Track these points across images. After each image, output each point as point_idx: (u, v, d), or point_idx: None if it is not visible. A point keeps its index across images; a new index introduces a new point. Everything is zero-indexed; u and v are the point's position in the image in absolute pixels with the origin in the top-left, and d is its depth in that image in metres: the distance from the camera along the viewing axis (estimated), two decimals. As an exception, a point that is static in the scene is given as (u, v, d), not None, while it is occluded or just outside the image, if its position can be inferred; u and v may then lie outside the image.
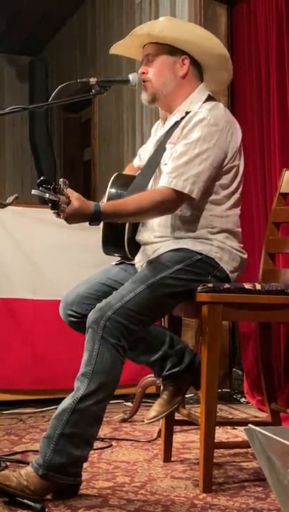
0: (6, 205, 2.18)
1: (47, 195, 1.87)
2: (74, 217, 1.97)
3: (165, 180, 2.11)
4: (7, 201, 2.16)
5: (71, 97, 2.28)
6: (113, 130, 5.22)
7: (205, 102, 2.21)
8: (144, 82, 2.24)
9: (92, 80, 2.15)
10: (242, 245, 2.25)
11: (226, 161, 2.16)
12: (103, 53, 5.46)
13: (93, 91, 2.16)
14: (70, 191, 1.94)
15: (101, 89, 2.16)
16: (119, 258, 2.35)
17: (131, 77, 2.21)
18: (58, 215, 1.93)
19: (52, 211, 1.94)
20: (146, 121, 4.59)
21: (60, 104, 2.27)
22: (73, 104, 6.16)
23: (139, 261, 2.23)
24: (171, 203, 2.10)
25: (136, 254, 2.28)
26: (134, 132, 4.81)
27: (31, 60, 7.00)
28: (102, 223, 2.18)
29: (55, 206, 1.91)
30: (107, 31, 5.36)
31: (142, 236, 2.24)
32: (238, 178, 2.22)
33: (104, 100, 5.23)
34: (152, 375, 2.98)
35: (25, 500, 1.96)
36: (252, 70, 3.58)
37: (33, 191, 1.88)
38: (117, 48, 2.34)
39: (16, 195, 2.19)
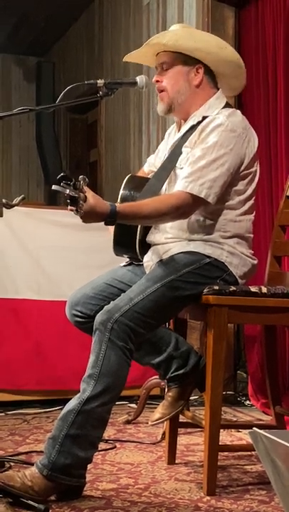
0: (12, 206, 2.18)
1: (67, 191, 1.87)
2: (90, 216, 1.96)
3: (181, 184, 2.11)
4: (13, 202, 2.16)
5: (78, 98, 2.28)
6: (119, 131, 5.22)
7: (223, 108, 2.21)
8: (159, 91, 2.24)
9: (100, 82, 2.15)
10: (253, 252, 2.25)
11: (243, 167, 2.17)
12: (110, 55, 5.47)
13: (100, 93, 2.16)
14: (86, 189, 1.95)
15: (108, 91, 2.16)
16: (127, 259, 2.35)
17: (138, 79, 2.21)
18: (77, 212, 1.93)
19: (70, 208, 1.93)
20: (152, 122, 4.60)
21: (68, 105, 2.27)
22: (80, 106, 6.17)
23: (148, 261, 2.23)
24: (187, 207, 2.10)
25: None
26: (140, 134, 4.81)
27: (38, 60, 7.01)
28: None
29: (74, 203, 1.91)
30: (115, 32, 5.36)
31: (154, 237, 2.24)
32: (253, 185, 2.23)
33: (111, 102, 5.24)
34: (157, 376, 2.98)
35: (29, 501, 1.96)
36: (259, 72, 3.58)
37: (54, 186, 1.87)
38: (131, 57, 2.34)
39: (23, 195, 2.19)
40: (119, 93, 2.29)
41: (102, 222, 2.01)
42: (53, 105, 2.22)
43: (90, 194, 1.95)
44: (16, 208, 2.20)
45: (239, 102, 3.77)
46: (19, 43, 6.95)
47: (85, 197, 1.93)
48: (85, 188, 1.93)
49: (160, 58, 2.24)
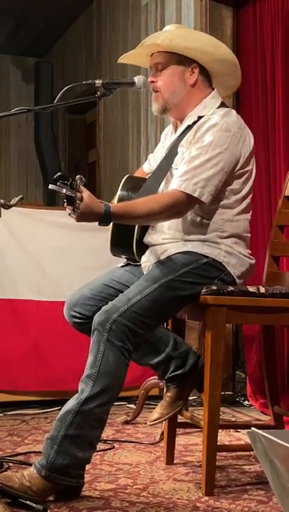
0: (10, 206, 2.17)
1: (64, 191, 1.87)
2: (85, 216, 1.96)
3: (176, 183, 2.11)
4: (12, 202, 2.16)
5: (76, 98, 2.28)
6: (118, 132, 5.23)
7: (218, 108, 2.21)
8: (154, 91, 2.24)
9: (98, 82, 2.16)
10: (250, 251, 2.25)
11: (238, 167, 2.17)
12: (109, 55, 5.47)
13: (99, 93, 2.16)
14: (83, 188, 1.95)
15: (106, 92, 2.16)
16: (125, 260, 2.35)
17: (136, 79, 2.21)
18: (73, 212, 1.93)
19: (66, 207, 1.94)
20: (151, 123, 4.60)
21: (66, 105, 2.28)
22: (78, 106, 6.17)
23: (146, 261, 2.23)
24: (181, 206, 2.10)
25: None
26: (139, 134, 4.82)
27: (37, 61, 7.01)
28: (111, 224, 2.18)
29: (70, 202, 1.91)
30: (113, 33, 5.36)
31: (151, 238, 2.24)
32: (250, 184, 2.23)
33: (110, 102, 5.24)
34: (155, 377, 2.98)
35: (27, 502, 1.95)
36: (257, 72, 3.58)
37: (50, 186, 1.88)
38: (126, 58, 2.35)
39: (21, 196, 2.18)
40: (117, 93, 2.29)
41: (97, 223, 2.02)
42: (50, 105, 2.22)
43: (86, 194, 1.95)
44: (15, 208, 2.20)
45: (237, 102, 3.77)
46: (18, 44, 6.95)
47: (82, 196, 1.93)
48: (82, 188, 1.94)
49: (155, 59, 2.24)
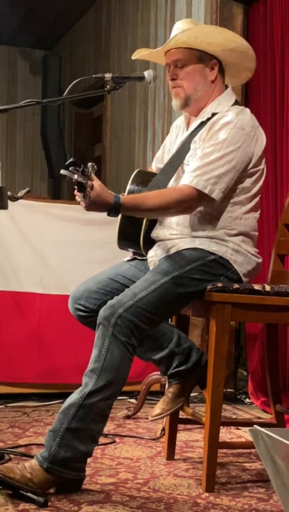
0: (17, 199, 2.17)
1: (75, 177, 1.87)
2: (95, 205, 1.96)
3: (187, 178, 2.11)
4: (18, 195, 2.16)
5: (84, 92, 2.28)
6: (125, 126, 5.22)
7: (232, 106, 2.21)
8: (174, 88, 2.23)
9: (107, 76, 2.15)
10: (257, 250, 2.25)
11: (250, 166, 2.17)
12: (117, 49, 5.46)
13: (108, 87, 2.15)
14: (94, 177, 1.95)
15: (116, 86, 2.15)
16: (131, 254, 2.35)
17: (146, 73, 2.19)
18: (83, 199, 1.93)
19: (76, 194, 1.93)
20: (158, 118, 4.59)
21: (74, 99, 2.27)
22: (85, 100, 6.17)
23: (152, 256, 2.23)
24: (191, 202, 2.10)
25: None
26: (145, 129, 4.80)
27: (45, 54, 7.00)
28: (119, 217, 2.17)
29: (81, 189, 1.91)
30: (122, 27, 5.35)
31: (159, 233, 2.24)
32: (260, 183, 2.23)
33: (117, 96, 5.23)
34: (157, 372, 2.98)
35: (28, 494, 1.96)
36: (267, 69, 3.57)
37: (62, 171, 1.87)
38: (139, 55, 2.34)
39: (28, 188, 2.18)
40: (125, 88, 2.28)
41: (106, 214, 2.02)
42: (59, 98, 2.21)
43: (97, 183, 1.95)
44: (20, 200, 2.20)
45: (246, 98, 3.76)
46: (26, 37, 6.94)
47: (92, 185, 1.93)
48: (93, 176, 1.93)
49: (173, 56, 2.22)
